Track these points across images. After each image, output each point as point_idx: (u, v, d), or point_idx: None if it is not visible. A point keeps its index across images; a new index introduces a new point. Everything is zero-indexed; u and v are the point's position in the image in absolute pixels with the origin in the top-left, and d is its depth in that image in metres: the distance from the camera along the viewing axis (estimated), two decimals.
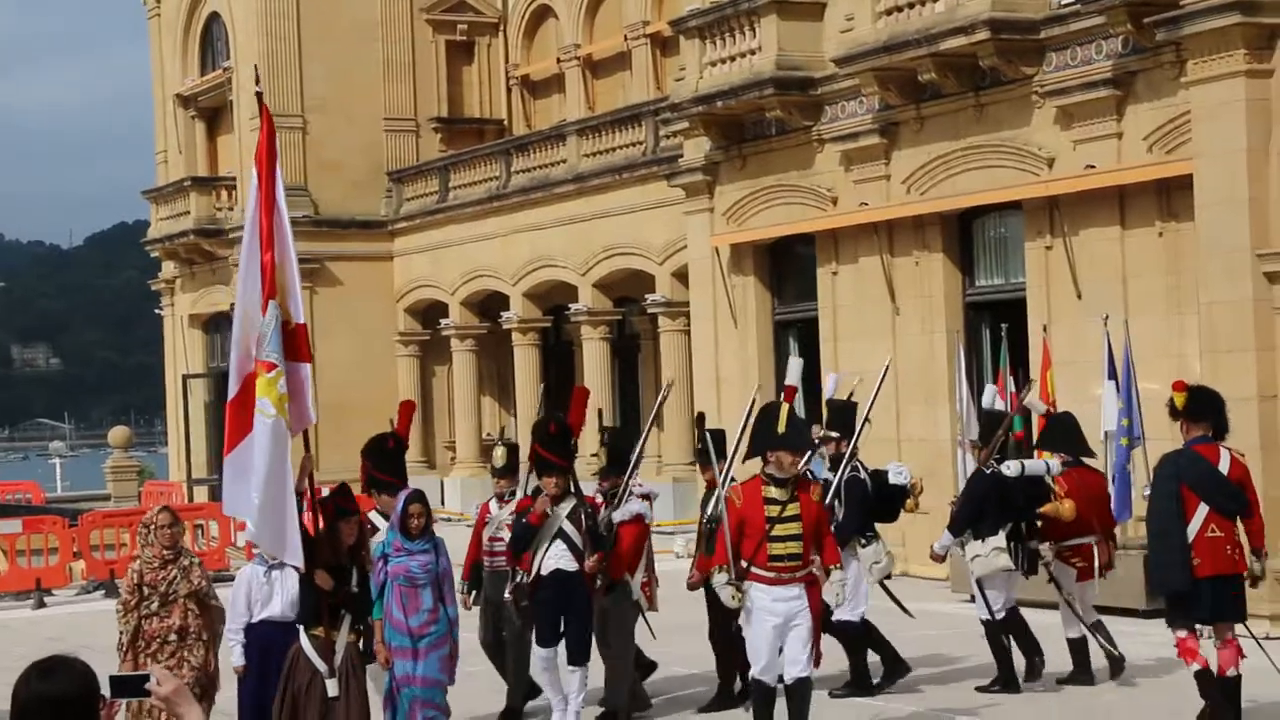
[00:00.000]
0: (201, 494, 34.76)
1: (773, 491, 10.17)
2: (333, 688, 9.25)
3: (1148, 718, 12.05)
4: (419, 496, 10.65)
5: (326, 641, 9.30)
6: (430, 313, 33.24)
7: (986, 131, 19.50)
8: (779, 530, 10.13)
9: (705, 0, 23.58)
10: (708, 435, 12.62)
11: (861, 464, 13.24)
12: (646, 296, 27.20)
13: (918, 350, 20.52)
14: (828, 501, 12.22)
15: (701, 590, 12.48)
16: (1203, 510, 10.67)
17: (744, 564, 10.16)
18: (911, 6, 19.80)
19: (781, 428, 10.19)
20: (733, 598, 10.19)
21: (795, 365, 11.12)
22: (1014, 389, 17.94)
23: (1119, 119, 17.86)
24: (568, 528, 11.24)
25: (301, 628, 9.43)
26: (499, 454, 12.60)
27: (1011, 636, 13.09)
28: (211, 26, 35.99)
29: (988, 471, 13.04)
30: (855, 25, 20.68)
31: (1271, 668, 11.18)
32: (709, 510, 11.93)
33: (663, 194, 25.72)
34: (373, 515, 11.18)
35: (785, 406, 10.36)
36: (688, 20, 23.53)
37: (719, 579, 10.27)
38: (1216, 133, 15.16)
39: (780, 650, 10.23)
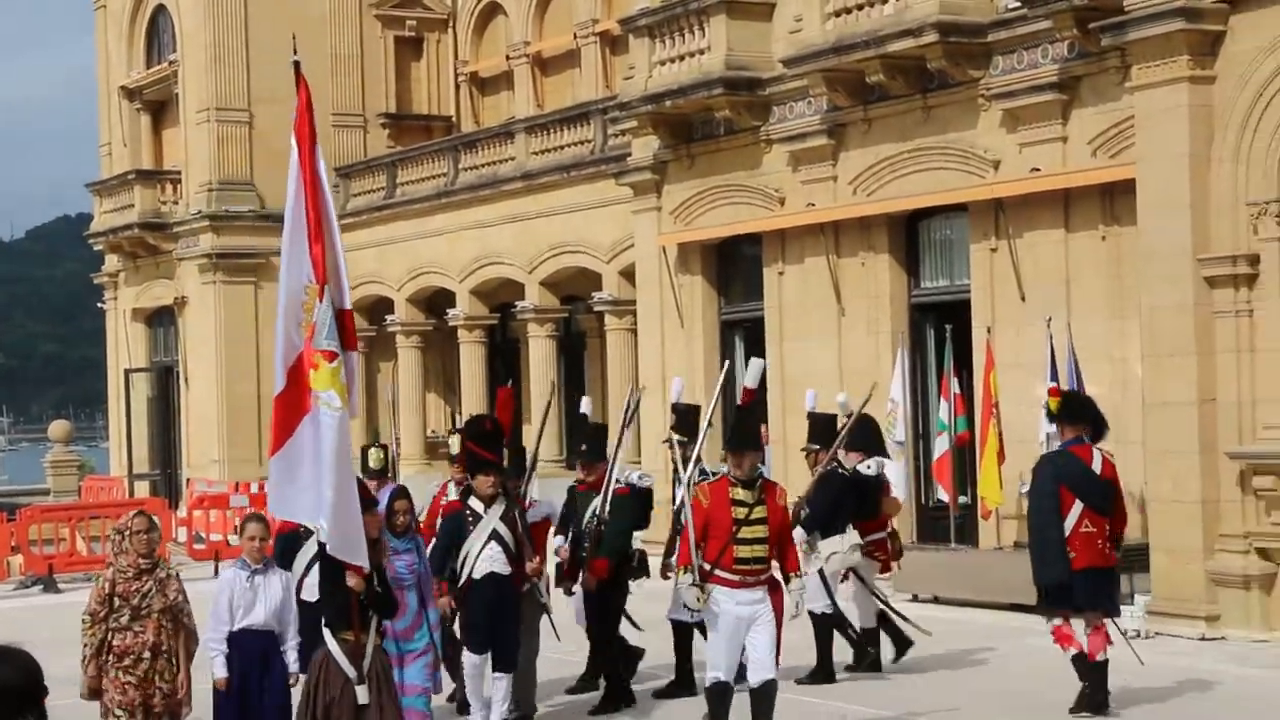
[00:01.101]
0: (142, 489, 34.52)
1: (740, 493, 10.01)
2: (363, 694, 8.69)
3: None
4: (404, 492, 10.27)
5: (357, 645, 8.71)
6: (376, 309, 33.11)
7: (933, 134, 19.61)
8: (745, 532, 9.97)
9: None
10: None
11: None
12: (593, 295, 27.19)
13: (862, 351, 20.61)
14: (675, 506, 12.46)
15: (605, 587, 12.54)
16: (1078, 508, 11.60)
17: (707, 566, 9.94)
18: (860, 8, 19.89)
19: (735, 428, 10.15)
20: (697, 600, 9.97)
21: (755, 367, 11.02)
22: (957, 390, 18.09)
23: (1064, 123, 18.00)
24: (501, 529, 10.95)
25: (328, 632, 8.79)
26: (455, 441, 12.44)
27: (836, 630, 13.43)
28: (158, 19, 35.73)
29: (843, 472, 13.46)
30: (804, 26, 20.76)
31: (1153, 656, 12.05)
32: (593, 513, 12.04)
33: (611, 192, 25.72)
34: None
35: (739, 409, 10.25)
36: (637, 19, 23.55)
37: (683, 580, 10.07)
38: (1159, 137, 15.29)
39: (742, 651, 10.08)
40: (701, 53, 22.39)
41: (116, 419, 37.49)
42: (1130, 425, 16.99)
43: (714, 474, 12.93)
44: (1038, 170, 18.20)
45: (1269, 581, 14.76)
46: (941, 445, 18.02)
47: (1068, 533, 11.57)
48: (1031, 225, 18.40)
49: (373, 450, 12.29)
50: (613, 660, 12.45)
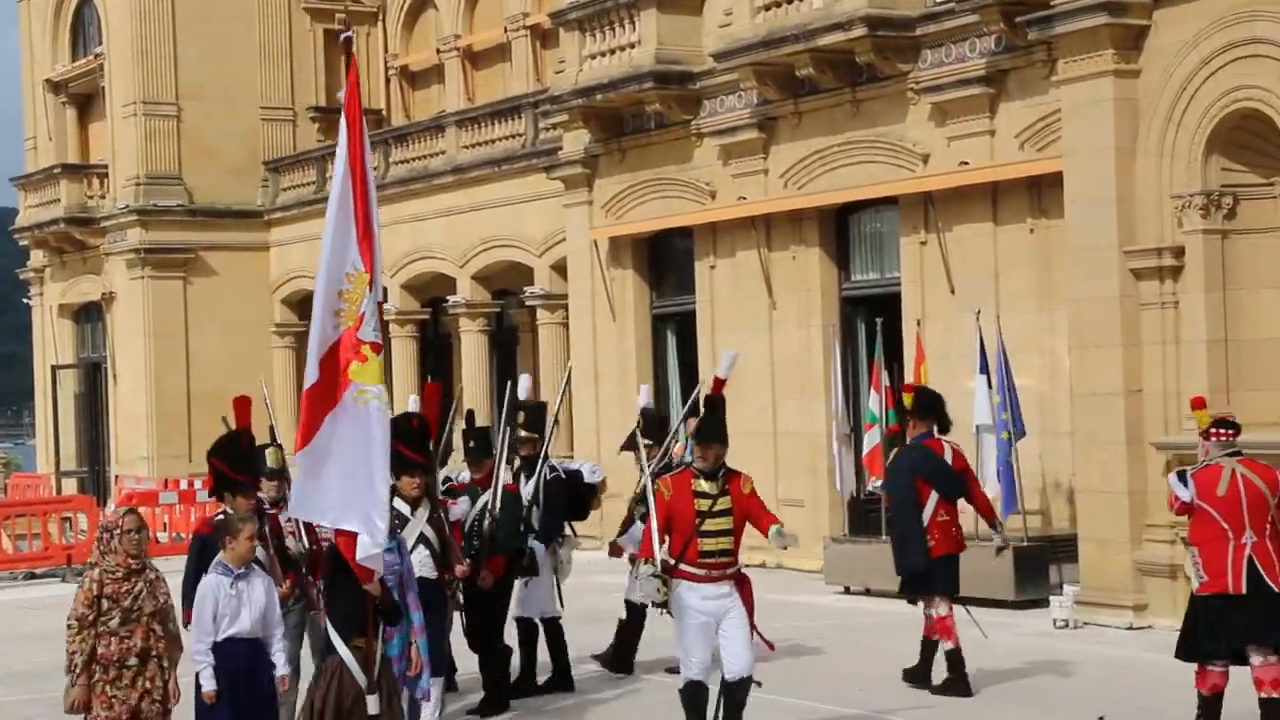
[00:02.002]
0: (70, 486, 34.16)
1: (703, 484, 9.78)
2: (373, 705, 8.39)
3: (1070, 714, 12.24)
4: (391, 490, 9.70)
5: (369, 654, 8.39)
6: (307, 304, 32.76)
7: (863, 127, 19.68)
8: (710, 525, 9.72)
9: None
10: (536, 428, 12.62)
11: (555, 465, 13.45)
12: (525, 289, 27.13)
13: (794, 344, 20.67)
14: (526, 502, 12.58)
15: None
16: (934, 498, 12.45)
17: (671, 561, 9.67)
18: (790, 2, 19.94)
19: (701, 419, 9.90)
20: (658, 591, 9.65)
21: (727, 357, 10.88)
22: (888, 383, 18.17)
23: (992, 116, 18.11)
24: (428, 533, 10.68)
25: (339, 639, 8.45)
26: None
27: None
28: (83, 11, 35.34)
29: (677, 466, 13.50)
30: (734, 20, 20.78)
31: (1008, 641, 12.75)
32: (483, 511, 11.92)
33: (542, 186, 25.66)
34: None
35: (709, 399, 10.01)
36: (568, 13, 23.50)
37: (644, 571, 9.77)
38: (1086, 131, 15.41)
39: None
40: (632, 46, 22.37)
41: (43, 416, 37.08)
42: (1058, 416, 17.14)
43: (564, 473, 12.95)
44: (966, 164, 18.30)
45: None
46: (873, 437, 18.09)
47: (926, 522, 12.45)
48: (960, 218, 18.50)
49: (269, 449, 11.86)
50: (501, 660, 12.35)
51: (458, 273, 28.58)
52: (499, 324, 29.37)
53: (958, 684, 12.40)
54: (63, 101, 36.43)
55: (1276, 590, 10.07)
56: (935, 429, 12.77)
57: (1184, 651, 10.41)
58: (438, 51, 32.44)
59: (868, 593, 17.90)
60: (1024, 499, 16.82)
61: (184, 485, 27.32)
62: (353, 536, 8.21)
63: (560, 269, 25.72)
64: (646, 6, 22.06)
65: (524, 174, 26.75)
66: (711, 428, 9.99)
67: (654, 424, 13.83)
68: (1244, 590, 10.02)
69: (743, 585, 9.90)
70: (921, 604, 12.79)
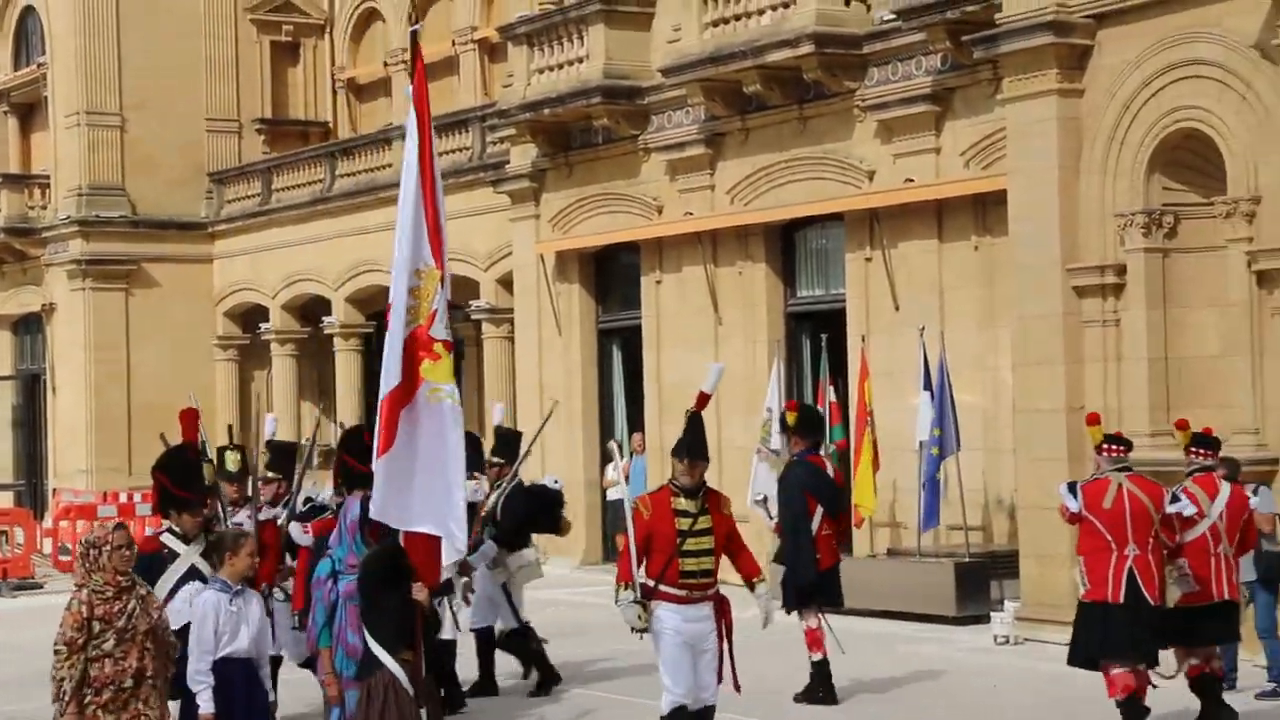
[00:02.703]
0: (6, 499, 33.76)
1: (682, 502, 9.47)
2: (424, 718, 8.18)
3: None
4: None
5: (416, 667, 8.17)
6: (250, 316, 32.71)
7: (809, 144, 19.76)
8: (691, 544, 9.41)
9: (534, 7, 23.57)
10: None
11: (521, 481, 13.67)
12: (470, 303, 27.05)
13: (740, 359, 20.69)
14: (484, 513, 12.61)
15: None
16: (819, 512, 12.77)
17: (650, 582, 9.36)
18: (738, 19, 20.00)
19: (684, 435, 9.65)
20: (639, 618, 9.34)
21: (714, 371, 10.79)
22: (833, 399, 18.22)
23: (937, 134, 18.21)
24: None
25: (386, 653, 8.17)
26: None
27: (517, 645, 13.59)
28: (26, 20, 35.02)
29: (527, 486, 13.76)
30: (682, 36, 20.83)
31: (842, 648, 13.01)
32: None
33: (488, 200, 25.61)
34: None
35: (690, 413, 9.80)
36: (516, 27, 23.50)
37: (624, 597, 9.38)
38: (1030, 150, 15.51)
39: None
40: (580, 61, 22.38)
41: None
42: (1001, 432, 17.22)
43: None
44: (911, 181, 18.39)
45: None
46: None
47: (813, 535, 12.78)
48: (905, 235, 18.59)
49: (229, 452, 11.68)
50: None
51: None
52: None
53: (825, 693, 12.63)
54: (4, 111, 36.08)
55: (1153, 603, 10.46)
56: (816, 445, 13.24)
57: (1074, 658, 10.81)
58: (385, 65, 32.35)
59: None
60: (966, 515, 16.91)
61: (123, 499, 27.06)
62: (425, 540, 8.00)
63: (506, 283, 25.68)
64: (595, 21, 22.08)
65: (471, 188, 26.67)
66: (697, 444, 9.71)
67: (506, 443, 13.78)
68: (1122, 600, 10.38)
69: (722, 608, 9.67)
70: (807, 618, 12.89)
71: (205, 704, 8.57)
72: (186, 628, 8.93)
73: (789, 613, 12.76)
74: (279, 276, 31.46)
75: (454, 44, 30.23)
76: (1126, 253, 14.94)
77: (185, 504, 9.84)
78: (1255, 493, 12.07)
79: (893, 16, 18.28)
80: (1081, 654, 10.75)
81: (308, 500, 12.24)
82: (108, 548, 8.28)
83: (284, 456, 12.41)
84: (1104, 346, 15.09)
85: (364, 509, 9.20)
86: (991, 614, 15.70)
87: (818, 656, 12.72)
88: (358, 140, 30.89)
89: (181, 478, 9.93)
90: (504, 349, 26.21)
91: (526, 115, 23.10)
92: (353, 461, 10.36)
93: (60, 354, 33.22)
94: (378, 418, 8.17)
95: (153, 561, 9.71)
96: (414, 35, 8.84)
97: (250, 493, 11.07)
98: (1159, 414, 14.80)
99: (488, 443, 14.30)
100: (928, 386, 16.94)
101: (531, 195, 23.90)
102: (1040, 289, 15.42)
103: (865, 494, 17.42)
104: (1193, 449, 11.57)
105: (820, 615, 12.78)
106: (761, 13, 19.67)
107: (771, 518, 14.43)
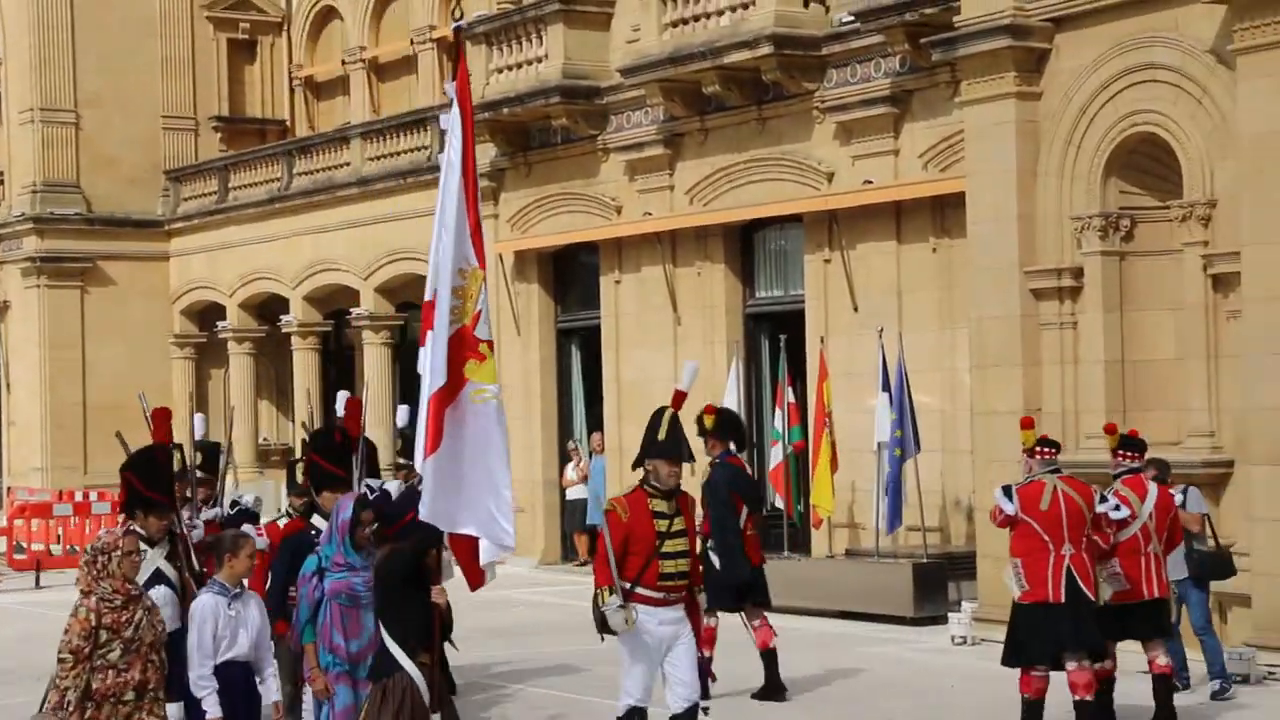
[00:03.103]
0: None
1: (659, 504, 9.37)
2: None
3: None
4: (369, 502, 9.33)
5: (432, 670, 8.06)
6: (207, 315, 32.54)
7: (768, 145, 19.79)
8: (669, 546, 9.34)
9: (493, 6, 23.52)
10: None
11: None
12: None
13: (699, 360, 20.62)
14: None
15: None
16: (745, 512, 12.98)
17: (626, 585, 9.26)
18: (697, 20, 20.01)
19: (662, 435, 9.50)
20: (626, 622, 9.20)
21: (689, 369, 10.60)
22: (792, 399, 18.26)
23: (896, 136, 18.27)
24: None
25: (404, 655, 8.09)
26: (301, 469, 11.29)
27: None
28: None
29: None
30: (641, 36, 20.82)
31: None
32: None
33: None
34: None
35: (669, 413, 9.69)
36: (475, 26, 23.42)
37: (612, 601, 9.22)
38: (988, 152, 15.58)
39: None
40: (539, 61, 22.35)
41: None
42: (959, 434, 17.29)
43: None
44: (870, 182, 18.44)
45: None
46: (776, 454, 18.17)
47: (741, 534, 12.90)
48: (864, 237, 18.64)
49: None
50: None
51: (361, 285, 28.38)
52: (402, 337, 29.20)
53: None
54: None
55: (1092, 599, 10.77)
56: (733, 447, 13.43)
57: (1008, 658, 10.97)
58: (343, 63, 32.22)
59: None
60: (924, 516, 16.97)
61: (79, 497, 26.89)
62: (469, 543, 7.93)
63: None
64: (554, 21, 22.05)
65: (429, 187, 26.41)
66: (678, 444, 9.63)
67: (413, 444, 13.43)
68: (1063, 599, 10.61)
69: (693, 610, 9.64)
70: (711, 616, 12.82)
71: (212, 708, 8.34)
72: (178, 633, 8.80)
73: (715, 612, 12.85)
74: (236, 275, 31.31)
75: (412, 43, 30.14)
76: (1083, 256, 15.02)
77: (153, 505, 9.60)
78: (1185, 493, 12.44)
79: (851, 18, 18.33)
80: (1024, 655, 10.83)
81: (234, 504, 12.09)
82: (117, 553, 7.97)
83: (213, 457, 12.34)
84: (1061, 349, 15.17)
85: (356, 509, 9.11)
86: (949, 615, 15.77)
87: (708, 654, 12.25)
88: (315, 139, 30.76)
89: (151, 478, 9.69)
90: None
91: (485, 115, 23.02)
92: (323, 462, 10.19)
93: (15, 352, 32.97)
94: (422, 418, 8.05)
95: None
96: (458, 31, 8.76)
97: (189, 493, 10.96)
98: (1115, 416, 14.86)
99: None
100: (886, 388, 16.99)
101: (490, 195, 23.84)
102: (998, 291, 15.48)
103: (824, 495, 17.48)
104: (1120, 452, 11.89)
105: (716, 615, 12.85)
106: (720, 14, 19.69)
107: None
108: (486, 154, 23.76)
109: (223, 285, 31.64)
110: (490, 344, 8.01)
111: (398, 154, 27.72)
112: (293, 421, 30.43)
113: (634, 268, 21.73)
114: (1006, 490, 11.02)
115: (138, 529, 9.50)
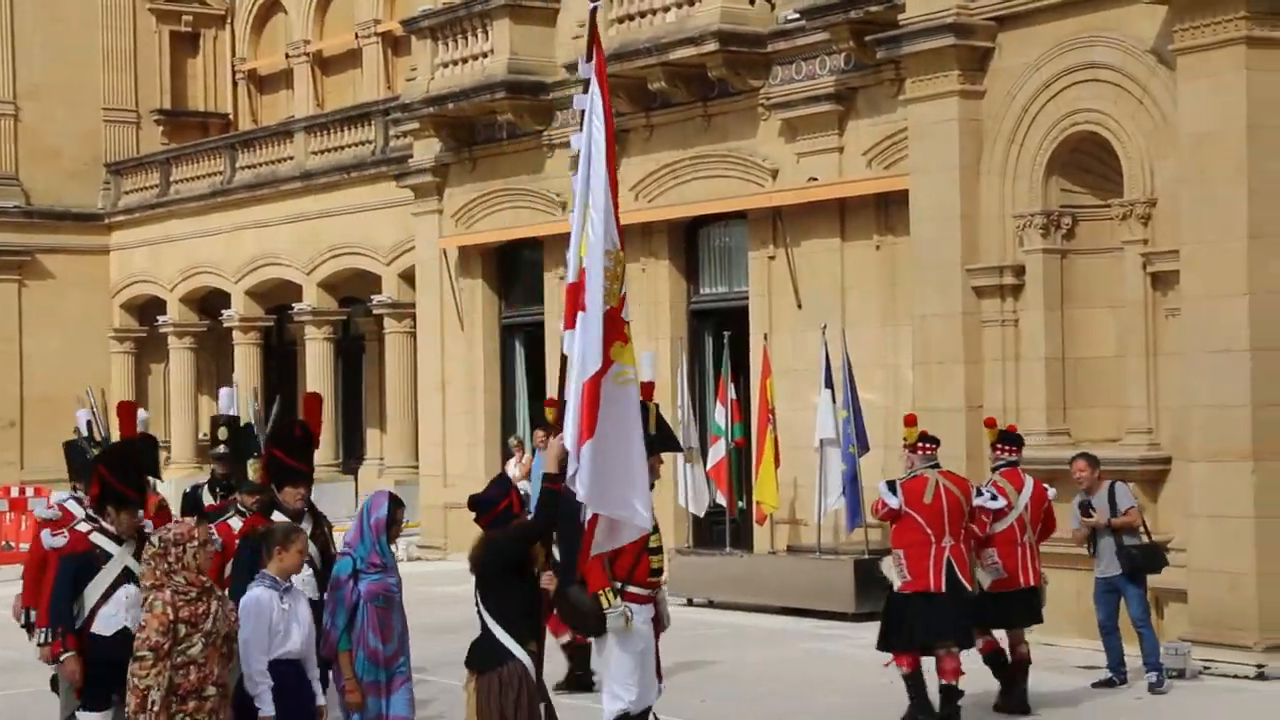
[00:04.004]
0: None
1: None
2: (544, 712, 7.97)
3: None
4: (401, 500, 9.03)
5: (539, 658, 7.88)
6: (148, 309, 32.30)
7: (714, 141, 19.79)
8: (654, 540, 9.28)
9: (438, 1, 23.44)
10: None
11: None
12: (373, 297, 26.89)
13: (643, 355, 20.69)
14: None
15: None
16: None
17: (617, 583, 9.26)
18: (643, 16, 20.00)
19: (652, 429, 9.38)
20: (626, 624, 9.22)
21: (646, 358, 10.47)
22: (734, 396, 18.27)
23: (840, 134, 18.31)
24: (312, 549, 9.55)
25: (516, 644, 7.93)
26: (253, 466, 11.18)
27: None
28: None
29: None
30: (587, 32, 20.75)
31: None
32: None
33: (391, 194, 25.46)
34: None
35: (652, 406, 9.58)
36: (420, 20, 23.35)
37: (618, 606, 9.26)
38: (931, 150, 15.64)
39: None
40: (484, 55, 22.28)
41: None
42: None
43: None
44: (815, 180, 18.48)
45: None
46: (718, 450, 18.18)
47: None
48: (808, 234, 18.67)
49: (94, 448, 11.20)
50: None
51: (304, 280, 28.24)
52: (345, 332, 29.08)
53: (569, 683, 12.77)
54: None
55: (969, 589, 11.29)
56: None
57: (886, 643, 11.52)
58: (287, 56, 32.06)
59: (711, 604, 17.97)
60: (866, 512, 17.01)
61: (15, 492, 26.61)
62: (594, 524, 8.01)
63: (409, 278, 25.53)
64: (499, 16, 22.00)
65: (373, 181, 26.52)
66: (666, 435, 9.54)
67: (242, 435, 12.73)
68: (944, 589, 11.13)
69: (657, 606, 9.62)
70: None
71: (266, 706, 7.97)
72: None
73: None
74: (177, 269, 31.10)
75: (357, 37, 30.04)
76: (1025, 253, 15.11)
77: (125, 501, 9.31)
78: (1113, 488, 12.83)
79: (797, 16, 18.36)
80: (902, 641, 11.31)
81: (191, 493, 12.00)
82: (193, 544, 7.63)
83: (151, 452, 12.20)
84: (1003, 346, 15.25)
85: (391, 507, 8.84)
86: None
87: (565, 639, 12.67)
88: (258, 132, 30.59)
89: (124, 473, 9.39)
90: (406, 344, 26.07)
91: (430, 109, 22.97)
92: (285, 457, 9.89)
93: None
94: (575, 401, 7.95)
95: (81, 562, 9.29)
96: (593, 13, 8.73)
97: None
98: (1056, 413, 15.00)
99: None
100: (829, 385, 17.02)
101: (435, 190, 23.77)
102: (940, 289, 15.55)
103: (768, 491, 17.50)
104: (998, 445, 12.57)
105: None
106: (666, 10, 19.68)
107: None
108: (431, 149, 23.69)
109: (163, 279, 31.42)
110: (628, 324, 8.07)
111: (342, 148, 27.61)
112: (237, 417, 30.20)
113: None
114: (890, 485, 11.51)
115: (103, 525, 9.26)
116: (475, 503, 8.59)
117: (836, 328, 17.50)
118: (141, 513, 9.63)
